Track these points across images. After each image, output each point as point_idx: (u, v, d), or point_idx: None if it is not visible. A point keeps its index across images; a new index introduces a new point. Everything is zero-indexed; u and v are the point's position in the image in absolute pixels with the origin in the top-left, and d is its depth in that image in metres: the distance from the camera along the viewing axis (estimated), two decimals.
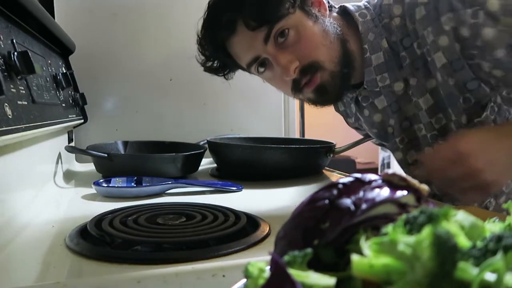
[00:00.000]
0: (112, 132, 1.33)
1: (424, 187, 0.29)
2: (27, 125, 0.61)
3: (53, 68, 0.95)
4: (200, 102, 1.40)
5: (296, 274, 0.23)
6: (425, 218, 0.23)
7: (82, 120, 1.19)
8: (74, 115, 1.06)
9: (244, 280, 0.26)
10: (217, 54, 0.85)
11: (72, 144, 1.19)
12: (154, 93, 1.37)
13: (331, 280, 0.22)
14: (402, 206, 0.28)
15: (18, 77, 0.64)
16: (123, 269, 0.43)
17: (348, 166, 4.73)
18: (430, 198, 0.78)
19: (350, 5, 0.82)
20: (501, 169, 0.63)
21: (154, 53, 1.38)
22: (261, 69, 0.80)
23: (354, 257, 0.21)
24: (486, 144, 0.64)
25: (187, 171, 0.99)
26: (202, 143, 1.16)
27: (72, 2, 1.31)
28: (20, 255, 0.49)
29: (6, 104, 0.55)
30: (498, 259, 0.18)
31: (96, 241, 0.52)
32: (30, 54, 0.64)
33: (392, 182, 0.29)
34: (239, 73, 0.90)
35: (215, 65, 0.88)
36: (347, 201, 0.28)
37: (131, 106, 1.36)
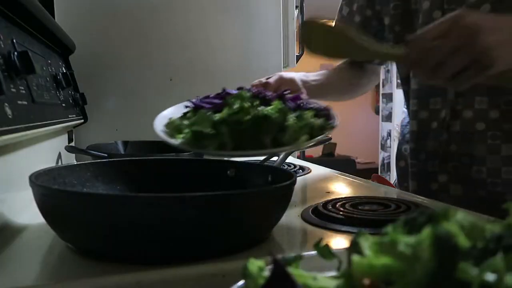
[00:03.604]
0: (112, 132, 1.33)
1: None
2: (27, 125, 0.61)
3: (53, 68, 0.95)
4: None
5: (297, 274, 0.23)
6: (425, 218, 0.23)
7: (82, 120, 1.19)
8: (74, 115, 1.06)
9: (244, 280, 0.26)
10: None
11: (72, 144, 1.19)
12: (154, 93, 1.37)
13: (332, 282, 0.23)
14: None
15: (18, 77, 0.64)
16: (123, 269, 0.43)
17: (348, 166, 4.74)
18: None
19: None
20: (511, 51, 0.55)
21: (154, 53, 1.38)
22: None
23: (354, 257, 0.21)
24: (500, 22, 0.56)
25: None
26: None
27: (72, 2, 1.31)
28: (20, 255, 0.49)
29: (6, 104, 0.55)
30: (498, 259, 0.18)
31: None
32: (30, 54, 0.64)
33: None
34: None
35: None
36: None
37: (131, 106, 1.36)
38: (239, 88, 0.70)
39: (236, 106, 0.59)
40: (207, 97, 0.70)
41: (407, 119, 0.98)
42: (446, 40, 0.55)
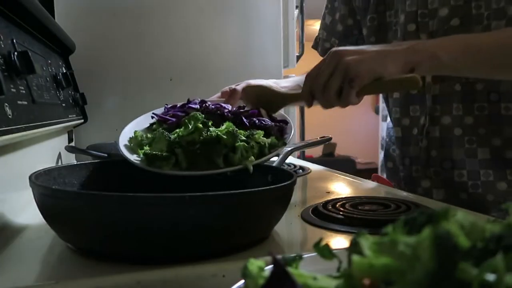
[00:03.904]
0: (112, 132, 1.33)
1: None
2: (27, 125, 0.61)
3: (53, 68, 0.95)
4: None
5: (297, 274, 0.23)
6: (425, 218, 0.23)
7: (82, 120, 1.19)
8: (74, 115, 1.06)
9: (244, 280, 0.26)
10: None
11: (72, 144, 1.19)
12: (154, 93, 1.37)
13: (332, 282, 0.23)
14: None
15: (18, 77, 0.64)
16: (123, 269, 0.43)
17: (348, 166, 4.73)
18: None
19: None
20: (369, 65, 0.67)
21: (154, 53, 1.38)
22: None
23: (354, 257, 0.21)
24: (357, 50, 0.69)
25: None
26: None
27: (72, 2, 1.31)
28: (20, 255, 0.49)
29: (6, 104, 0.55)
30: (498, 259, 0.18)
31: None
32: (30, 54, 0.64)
33: None
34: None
35: None
36: None
37: (131, 106, 1.36)
38: (202, 102, 0.73)
39: (191, 126, 0.63)
40: (174, 106, 0.73)
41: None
42: (323, 67, 0.69)
